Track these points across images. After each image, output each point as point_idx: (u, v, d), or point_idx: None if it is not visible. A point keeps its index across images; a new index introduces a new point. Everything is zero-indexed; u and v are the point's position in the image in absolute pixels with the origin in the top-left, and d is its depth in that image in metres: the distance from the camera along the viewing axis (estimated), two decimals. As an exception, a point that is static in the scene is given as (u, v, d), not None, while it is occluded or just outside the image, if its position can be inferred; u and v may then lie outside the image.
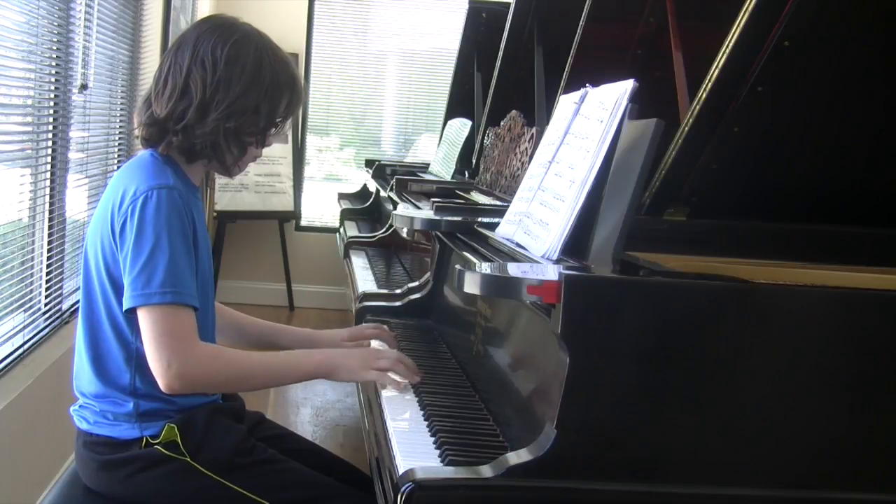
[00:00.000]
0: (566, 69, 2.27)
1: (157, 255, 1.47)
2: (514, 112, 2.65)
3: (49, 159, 2.71)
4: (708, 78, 1.61)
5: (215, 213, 5.16)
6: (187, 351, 1.47)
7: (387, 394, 1.58)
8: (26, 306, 2.60)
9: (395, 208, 2.82)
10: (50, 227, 2.73)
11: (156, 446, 1.54)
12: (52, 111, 2.74)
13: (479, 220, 1.89)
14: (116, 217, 1.52)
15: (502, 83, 3.34)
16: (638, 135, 1.35)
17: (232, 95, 1.56)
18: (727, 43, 1.59)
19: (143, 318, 1.48)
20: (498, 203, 2.28)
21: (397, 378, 1.61)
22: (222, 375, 1.53)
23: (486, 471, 1.16)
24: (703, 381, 1.19)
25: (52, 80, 2.73)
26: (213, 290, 1.68)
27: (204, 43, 1.57)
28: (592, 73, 1.77)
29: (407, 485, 1.14)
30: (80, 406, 1.62)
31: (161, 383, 1.48)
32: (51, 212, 2.73)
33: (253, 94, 1.57)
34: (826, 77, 1.65)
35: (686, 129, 1.64)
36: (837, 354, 1.21)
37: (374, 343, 1.86)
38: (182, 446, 1.53)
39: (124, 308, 1.50)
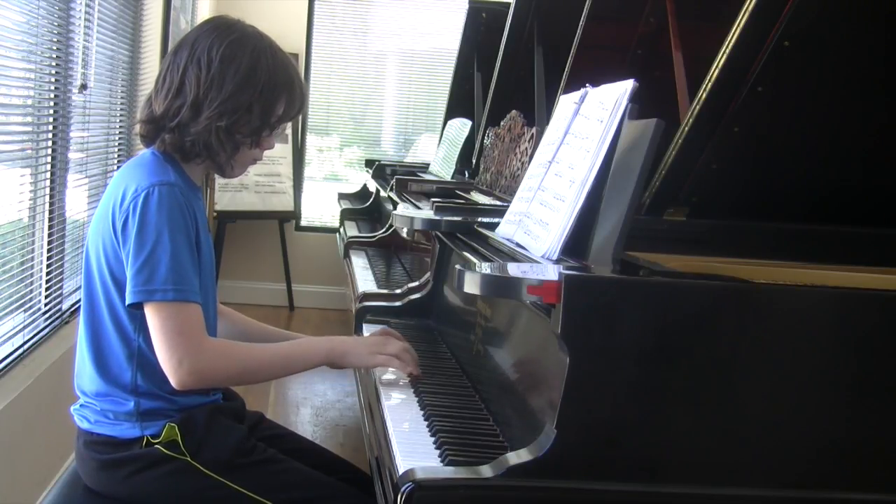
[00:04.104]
0: (566, 69, 2.27)
1: (158, 251, 1.48)
2: (514, 112, 2.65)
3: (49, 159, 2.71)
4: (708, 78, 1.61)
5: (215, 213, 5.16)
6: (197, 347, 1.49)
7: (387, 393, 1.58)
8: (26, 306, 2.60)
9: (395, 208, 2.82)
10: (50, 227, 2.73)
11: (156, 446, 1.54)
12: (52, 111, 2.73)
13: (479, 220, 1.89)
14: (118, 214, 1.52)
15: (502, 83, 3.34)
16: (638, 135, 1.35)
17: (224, 94, 1.56)
18: (727, 43, 1.59)
19: (152, 315, 1.49)
20: (498, 203, 2.28)
21: (402, 366, 1.62)
22: (233, 368, 1.55)
23: (486, 471, 1.16)
24: (703, 381, 1.19)
25: (52, 80, 2.73)
26: (214, 289, 1.68)
27: (202, 42, 1.58)
28: (592, 73, 1.77)
29: (407, 485, 1.14)
30: (80, 405, 1.62)
31: (172, 380, 1.49)
32: (51, 212, 2.73)
33: (246, 93, 1.57)
34: (826, 77, 1.65)
35: (686, 129, 1.64)
36: (837, 354, 1.21)
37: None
38: (182, 446, 1.54)
39: (127, 303, 1.50)
